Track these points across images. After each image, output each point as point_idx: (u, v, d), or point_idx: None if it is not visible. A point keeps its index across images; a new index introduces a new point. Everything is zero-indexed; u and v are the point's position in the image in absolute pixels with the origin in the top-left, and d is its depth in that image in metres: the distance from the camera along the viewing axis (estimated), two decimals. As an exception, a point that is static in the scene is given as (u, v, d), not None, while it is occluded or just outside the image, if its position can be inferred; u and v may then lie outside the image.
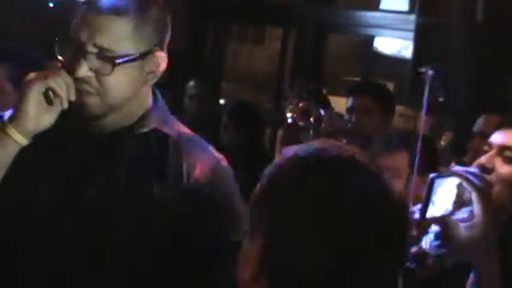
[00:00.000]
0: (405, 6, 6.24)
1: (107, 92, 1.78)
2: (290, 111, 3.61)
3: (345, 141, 3.18)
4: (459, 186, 1.63)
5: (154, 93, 1.92)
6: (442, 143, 4.82)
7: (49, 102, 1.75)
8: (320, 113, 3.31)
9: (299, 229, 1.19)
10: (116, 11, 1.76)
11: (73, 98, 1.76)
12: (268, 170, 1.27)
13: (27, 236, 1.79)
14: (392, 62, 7.31)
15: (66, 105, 1.76)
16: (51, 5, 4.24)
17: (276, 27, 7.75)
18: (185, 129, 1.93)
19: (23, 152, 1.77)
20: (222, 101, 6.60)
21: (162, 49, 1.84)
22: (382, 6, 6.78)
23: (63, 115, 1.78)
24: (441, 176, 1.63)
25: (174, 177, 1.82)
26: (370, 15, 5.93)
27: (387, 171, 2.60)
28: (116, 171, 1.81)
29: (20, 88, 1.78)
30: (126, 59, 1.77)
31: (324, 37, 6.27)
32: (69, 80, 1.75)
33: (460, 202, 1.63)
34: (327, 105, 4.01)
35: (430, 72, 2.18)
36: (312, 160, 1.23)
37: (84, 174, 1.81)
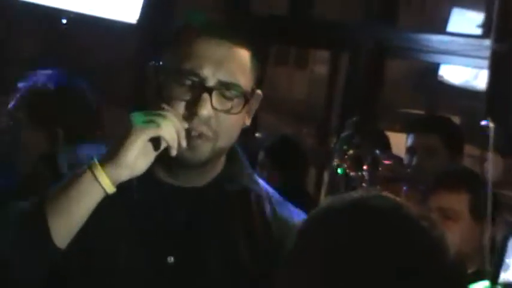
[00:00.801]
0: (478, 30, 6.21)
1: (223, 135, 1.74)
2: (339, 160, 3.49)
3: (405, 188, 3.15)
4: None
5: None
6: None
7: (156, 148, 1.69)
8: (376, 155, 3.25)
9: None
10: (237, 40, 1.76)
11: (184, 144, 1.70)
12: (300, 224, 1.26)
13: None
14: (461, 93, 7.28)
15: (175, 153, 1.70)
16: (63, 21, 4.32)
17: (322, 48, 7.76)
18: (266, 185, 1.91)
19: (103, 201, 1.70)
20: (258, 135, 6.61)
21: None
22: (450, 28, 6.75)
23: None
24: None
25: (263, 241, 1.80)
26: (435, 39, 5.90)
27: (439, 212, 2.62)
28: (200, 234, 1.78)
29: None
30: (250, 95, 1.76)
31: (381, 62, 6.24)
32: (180, 125, 1.69)
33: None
34: (385, 146, 3.95)
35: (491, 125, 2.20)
36: (348, 212, 1.21)
37: (165, 237, 1.77)
